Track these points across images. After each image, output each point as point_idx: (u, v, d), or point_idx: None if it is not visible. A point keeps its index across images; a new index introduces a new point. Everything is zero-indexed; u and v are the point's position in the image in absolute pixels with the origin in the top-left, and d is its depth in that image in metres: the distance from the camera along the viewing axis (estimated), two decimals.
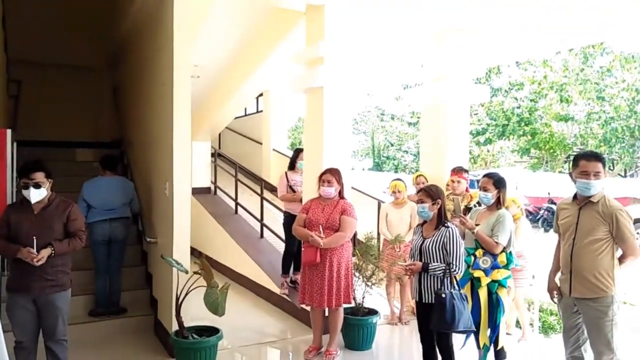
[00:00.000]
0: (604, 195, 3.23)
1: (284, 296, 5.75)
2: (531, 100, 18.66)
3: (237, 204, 7.95)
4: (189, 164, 4.45)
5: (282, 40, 5.88)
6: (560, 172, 20.94)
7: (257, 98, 10.49)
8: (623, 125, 17.08)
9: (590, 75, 17.45)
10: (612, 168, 20.26)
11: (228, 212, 8.04)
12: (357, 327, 4.72)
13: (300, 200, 5.42)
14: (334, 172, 4.39)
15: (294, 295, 5.47)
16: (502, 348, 4.06)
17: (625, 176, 20.03)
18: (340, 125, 5.14)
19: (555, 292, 3.45)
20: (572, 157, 3.51)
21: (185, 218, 4.38)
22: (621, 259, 3.23)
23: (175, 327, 4.14)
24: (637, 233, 12.28)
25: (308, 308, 4.65)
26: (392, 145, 29.29)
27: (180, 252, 4.32)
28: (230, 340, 4.80)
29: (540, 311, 6.01)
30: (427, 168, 6.20)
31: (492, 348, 4.05)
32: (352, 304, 4.65)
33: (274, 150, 9.99)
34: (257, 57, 6.54)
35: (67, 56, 8.15)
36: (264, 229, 7.08)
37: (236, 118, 10.12)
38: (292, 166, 6.01)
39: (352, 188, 5.67)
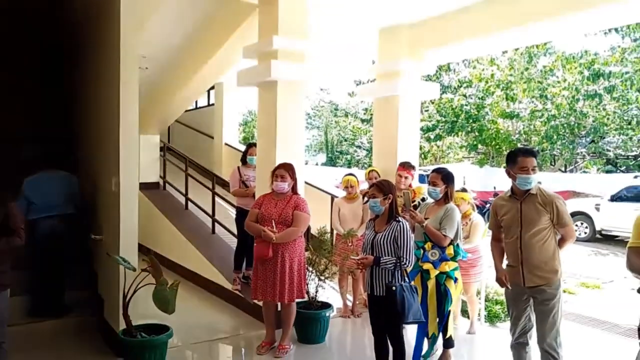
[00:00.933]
0: (539, 187, 3.43)
1: (236, 292, 5.70)
2: (479, 98, 19.26)
3: (187, 199, 7.79)
4: (136, 158, 4.31)
5: (235, 33, 5.79)
6: (505, 167, 21.75)
7: (208, 91, 10.29)
8: (564, 123, 17.89)
9: (534, 75, 18.16)
10: (553, 164, 21.26)
11: (178, 208, 7.86)
12: (310, 321, 4.74)
13: (253, 196, 5.37)
14: (287, 167, 4.37)
15: (246, 291, 5.42)
16: (450, 337, 4.20)
17: (565, 171, 21.07)
18: (294, 119, 5.12)
19: (504, 280, 3.56)
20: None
21: (132, 214, 4.24)
22: (560, 243, 3.43)
23: (122, 326, 4.02)
24: (575, 226, 12.97)
25: (260, 303, 4.63)
26: (345, 140, 29.53)
27: (128, 249, 4.19)
28: (181, 338, 4.71)
29: (486, 301, 6.25)
30: (380, 163, 6.28)
31: (440, 337, 4.19)
32: (305, 298, 4.67)
33: (225, 144, 9.83)
34: (209, 50, 6.41)
35: None
36: (216, 224, 6.98)
37: (187, 111, 9.89)
38: (244, 161, 5.94)
39: (306, 183, 5.67)
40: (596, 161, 22.77)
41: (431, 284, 4.06)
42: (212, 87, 9.87)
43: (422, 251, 4.05)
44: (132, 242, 4.27)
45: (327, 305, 4.87)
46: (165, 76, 7.60)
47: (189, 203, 7.75)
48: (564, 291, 7.37)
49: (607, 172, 22.45)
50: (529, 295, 3.44)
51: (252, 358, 4.52)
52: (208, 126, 10.41)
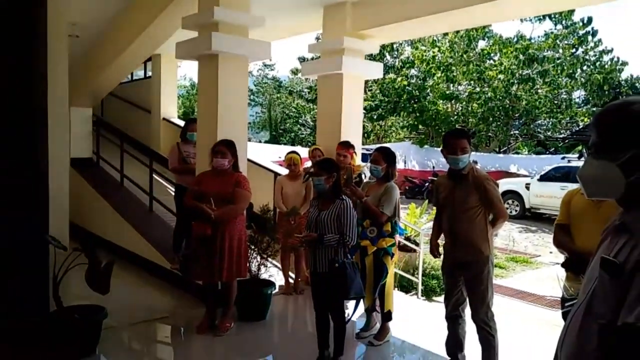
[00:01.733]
0: (472, 167, 3.54)
1: (176, 271, 5.57)
2: (420, 79, 19.66)
3: (123, 175, 7.47)
4: (66, 132, 4.06)
5: (173, 1, 5.52)
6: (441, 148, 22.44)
7: (145, 63, 9.82)
8: (499, 106, 18.65)
9: (473, 58, 18.74)
10: (488, 144, 22.15)
11: (113, 185, 7.54)
12: (252, 298, 4.73)
13: (193, 173, 5.22)
14: (227, 144, 4.27)
15: (186, 270, 5.31)
16: (389, 311, 4.32)
17: (499, 152, 22.02)
18: (236, 95, 4.99)
19: (436, 252, 3.78)
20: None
21: (62, 191, 4.02)
22: (493, 223, 3.56)
23: (53, 307, 3.82)
24: (507, 204, 13.51)
25: (201, 282, 4.55)
26: (289, 118, 29.33)
27: (58, 228, 3.97)
28: (117, 319, 4.54)
29: (423, 276, 6.48)
30: (323, 141, 6.27)
31: (379, 310, 4.32)
32: (247, 277, 4.64)
33: (164, 119, 9.46)
34: (145, 18, 6.09)
35: None
36: (154, 202, 6.75)
37: (122, 84, 9.42)
38: (184, 137, 5.75)
39: (248, 160, 5.57)
40: (528, 143, 23.96)
41: (369, 260, 4.16)
42: (149, 59, 9.43)
43: (360, 228, 4.12)
44: (63, 221, 4.05)
45: (269, 283, 4.86)
46: (98, 45, 7.18)
47: (125, 180, 7.44)
48: (496, 266, 7.79)
49: (538, 153, 23.66)
50: (459, 270, 3.57)
51: (191, 337, 4.45)
52: (145, 100, 9.96)
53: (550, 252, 9.40)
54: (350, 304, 4.00)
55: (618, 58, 18.97)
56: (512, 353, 3.98)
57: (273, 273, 5.59)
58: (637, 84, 27.07)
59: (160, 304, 5.26)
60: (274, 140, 29.55)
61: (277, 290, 5.27)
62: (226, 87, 4.87)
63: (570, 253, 2.92)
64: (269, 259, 5.04)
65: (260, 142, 28.48)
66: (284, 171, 6.38)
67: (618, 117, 1.44)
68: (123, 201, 7.05)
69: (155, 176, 6.85)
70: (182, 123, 6.56)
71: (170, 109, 9.62)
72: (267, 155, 12.16)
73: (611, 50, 18.99)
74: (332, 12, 6.09)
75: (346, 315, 3.80)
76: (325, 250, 3.67)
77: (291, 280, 5.63)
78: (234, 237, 4.28)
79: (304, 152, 7.21)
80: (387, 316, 4.36)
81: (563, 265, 3.05)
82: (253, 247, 4.80)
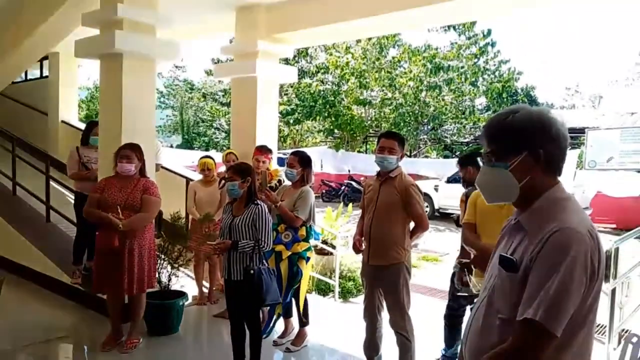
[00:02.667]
0: (401, 172, 3.56)
1: (77, 286, 5.16)
2: (335, 84, 20.02)
3: (15, 183, 6.83)
4: None
5: None
6: (359, 151, 23.05)
7: (41, 61, 9.06)
8: (409, 111, 19.47)
9: (385, 65, 19.41)
10: None
11: (4, 194, 6.87)
12: (162, 311, 4.51)
13: (96, 179, 4.87)
14: (133, 148, 4.03)
15: (89, 284, 4.92)
16: (306, 315, 4.29)
17: (410, 156, 22.92)
18: (143, 97, 4.73)
19: (358, 247, 3.69)
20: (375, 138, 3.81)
21: None
22: (413, 232, 3.59)
23: None
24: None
25: (105, 297, 4.24)
26: (203, 121, 28.56)
27: None
28: (11, 341, 4.12)
29: (340, 278, 6.54)
30: (238, 146, 6.13)
31: (296, 315, 4.28)
32: (156, 288, 4.41)
33: (63, 122, 8.73)
34: (41, 12, 5.61)
35: None
36: (51, 212, 6.22)
37: (14, 83, 8.62)
38: (85, 141, 5.35)
39: (158, 165, 5.31)
40: (436, 147, 25.22)
41: (284, 265, 4.11)
42: (46, 57, 8.71)
43: (275, 233, 4.06)
44: None
45: (180, 294, 4.65)
46: None
47: (18, 188, 6.80)
48: None
49: (445, 157, 24.96)
50: (376, 274, 3.60)
51: (96, 356, 4.13)
52: (41, 101, 9.17)
53: (458, 250, 9.90)
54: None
55: (515, 68, 20.57)
56: (426, 352, 4.08)
57: (186, 283, 5.37)
58: (531, 92, 29.52)
59: (60, 322, 4.85)
60: (186, 144, 28.63)
61: (190, 301, 5.05)
62: (131, 88, 4.59)
63: (478, 250, 3.05)
64: (182, 269, 4.82)
65: (172, 146, 27.48)
66: (197, 176, 6.15)
67: (504, 125, 1.51)
68: (15, 212, 6.44)
69: (53, 183, 6.31)
70: (83, 126, 6.10)
71: (70, 111, 8.92)
72: (180, 160, 11.74)
73: (508, 61, 20.55)
74: (245, 15, 5.97)
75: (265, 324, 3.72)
76: (240, 257, 3.57)
77: (205, 290, 5.43)
78: (143, 246, 4.05)
79: (219, 156, 7.01)
80: (304, 321, 4.32)
81: (470, 262, 3.18)
82: (163, 256, 4.56)
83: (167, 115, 31.07)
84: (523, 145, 1.47)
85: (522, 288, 1.40)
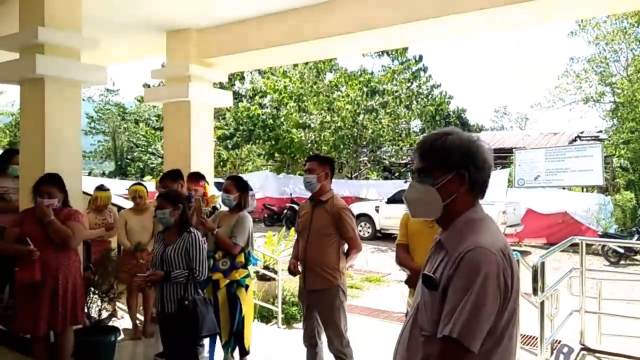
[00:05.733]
0: (333, 195, 3.58)
1: None
2: (274, 108, 20.11)
3: None
4: None
5: None
6: (300, 174, 23.13)
7: None
8: (348, 134, 19.85)
9: (322, 89, 19.75)
10: (341, 170, 23.33)
11: None
12: (92, 348, 4.24)
13: (16, 210, 4.56)
14: (53, 181, 3.79)
15: (8, 322, 4.55)
16: (247, 346, 4.17)
17: (351, 178, 23.28)
18: (67, 122, 4.50)
19: (294, 270, 3.73)
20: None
21: None
22: (347, 253, 3.61)
23: None
24: (360, 227, 14.22)
25: (28, 335, 3.93)
26: (137, 146, 27.68)
27: None
28: None
29: (283, 304, 6.44)
30: None
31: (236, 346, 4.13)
32: (85, 324, 4.14)
33: None
34: None
35: None
36: None
37: None
38: (2, 170, 5.01)
39: (85, 194, 5.05)
40: (376, 168, 25.76)
41: (222, 293, 3.99)
42: None
43: (212, 261, 3.95)
44: None
45: (111, 329, 4.39)
46: None
47: None
48: (351, 286, 8.07)
49: (385, 178, 25.53)
50: (312, 298, 3.57)
51: None
52: None
53: (399, 270, 10.05)
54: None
55: (446, 92, 21.52)
56: None
57: (120, 316, 5.10)
58: (462, 115, 30.97)
59: None
60: (120, 170, 27.63)
61: (122, 336, 4.78)
62: (55, 114, 4.37)
63: (410, 270, 3.10)
64: (116, 301, 4.57)
65: (104, 173, 26.42)
66: (128, 204, 5.90)
67: (435, 145, 1.58)
68: None
69: None
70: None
71: None
72: (114, 189, 11.24)
73: (440, 85, 21.48)
74: (176, 39, 5.89)
75: (202, 357, 3.57)
76: (174, 287, 3.45)
77: (139, 324, 5.17)
78: (68, 279, 3.81)
79: (152, 183, 6.78)
80: (244, 351, 4.19)
81: (405, 282, 3.23)
82: (93, 289, 4.31)
83: (98, 141, 29.95)
84: (451, 166, 1.54)
85: (442, 306, 1.45)
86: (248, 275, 4.10)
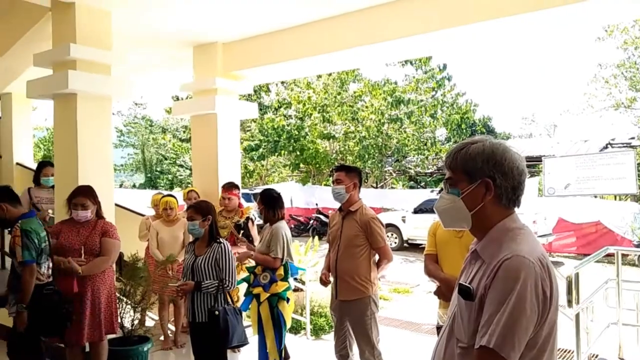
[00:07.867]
0: (362, 205, 3.57)
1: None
2: (299, 119, 20.21)
3: None
4: None
5: (24, 37, 5.04)
6: (325, 184, 23.14)
7: None
8: (373, 144, 19.77)
9: (346, 99, 19.77)
10: (366, 180, 23.24)
11: None
12: (125, 358, 4.27)
13: (44, 220, 4.68)
14: (86, 193, 3.88)
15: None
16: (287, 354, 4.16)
17: (377, 187, 23.16)
18: (99, 137, 4.62)
19: (325, 280, 3.72)
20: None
21: None
22: (378, 264, 3.58)
23: None
24: (388, 236, 14.14)
25: (64, 345, 4.01)
26: (165, 159, 28.16)
27: None
28: None
29: (311, 314, 6.40)
30: (200, 183, 6.05)
31: None
32: (119, 334, 4.21)
33: (17, 164, 8.46)
34: None
35: None
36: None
37: None
38: (37, 182, 5.17)
39: (117, 205, 5.15)
40: (401, 178, 25.58)
41: (264, 309, 3.96)
42: None
43: (252, 276, 3.96)
44: None
45: (144, 339, 4.44)
46: None
47: None
48: (380, 298, 7.98)
49: (410, 187, 25.32)
50: (344, 309, 3.54)
51: None
52: None
53: (429, 281, 9.90)
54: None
55: (471, 100, 21.28)
56: None
57: (151, 327, 5.15)
58: (488, 123, 30.56)
59: None
60: (150, 182, 28.10)
61: (155, 345, 4.83)
62: (86, 128, 4.49)
63: (439, 281, 3.04)
64: (147, 312, 4.63)
65: (135, 185, 26.89)
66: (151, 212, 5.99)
67: (459, 155, 1.57)
68: None
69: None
70: None
71: (24, 152, 8.65)
72: (143, 200, 11.44)
73: (465, 93, 21.26)
74: (202, 52, 6.00)
75: None
76: (204, 298, 3.48)
77: (170, 334, 5.22)
78: (102, 291, 3.90)
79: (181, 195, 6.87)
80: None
81: (435, 293, 3.17)
82: (125, 299, 4.38)
83: (128, 154, 30.57)
84: (475, 175, 1.52)
85: (479, 316, 1.41)
86: (289, 288, 4.07)
